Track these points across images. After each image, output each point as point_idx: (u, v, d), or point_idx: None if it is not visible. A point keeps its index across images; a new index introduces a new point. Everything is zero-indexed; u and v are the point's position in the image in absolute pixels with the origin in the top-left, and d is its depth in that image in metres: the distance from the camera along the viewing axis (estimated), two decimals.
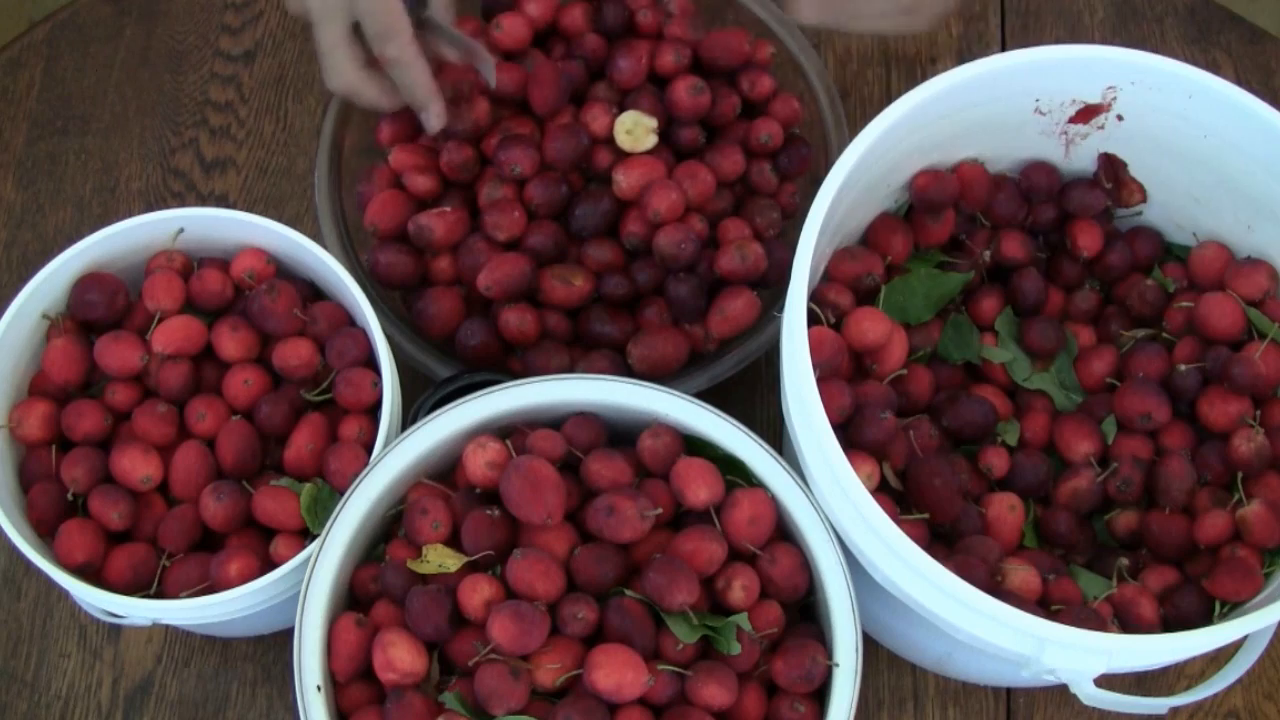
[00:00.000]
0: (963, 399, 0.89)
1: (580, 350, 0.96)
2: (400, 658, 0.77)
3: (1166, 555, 0.85)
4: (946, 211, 0.93)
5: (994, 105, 0.88)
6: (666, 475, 0.82)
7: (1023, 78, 0.87)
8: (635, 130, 0.95)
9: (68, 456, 0.86)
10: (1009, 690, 0.96)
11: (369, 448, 0.86)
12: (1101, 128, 0.91)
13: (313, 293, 0.93)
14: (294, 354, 0.88)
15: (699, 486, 0.81)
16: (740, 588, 0.80)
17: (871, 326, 0.87)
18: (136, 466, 0.85)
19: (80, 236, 0.89)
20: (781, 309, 0.82)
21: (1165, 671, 0.96)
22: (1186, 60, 0.86)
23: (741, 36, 0.98)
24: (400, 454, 0.82)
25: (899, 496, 0.85)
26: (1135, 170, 0.94)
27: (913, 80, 1.13)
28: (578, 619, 0.78)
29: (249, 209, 0.99)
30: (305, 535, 0.86)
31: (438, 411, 0.83)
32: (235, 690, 0.96)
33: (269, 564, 0.84)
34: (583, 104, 0.98)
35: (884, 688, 0.96)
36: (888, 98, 1.02)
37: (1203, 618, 0.82)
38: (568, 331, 0.96)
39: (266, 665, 0.96)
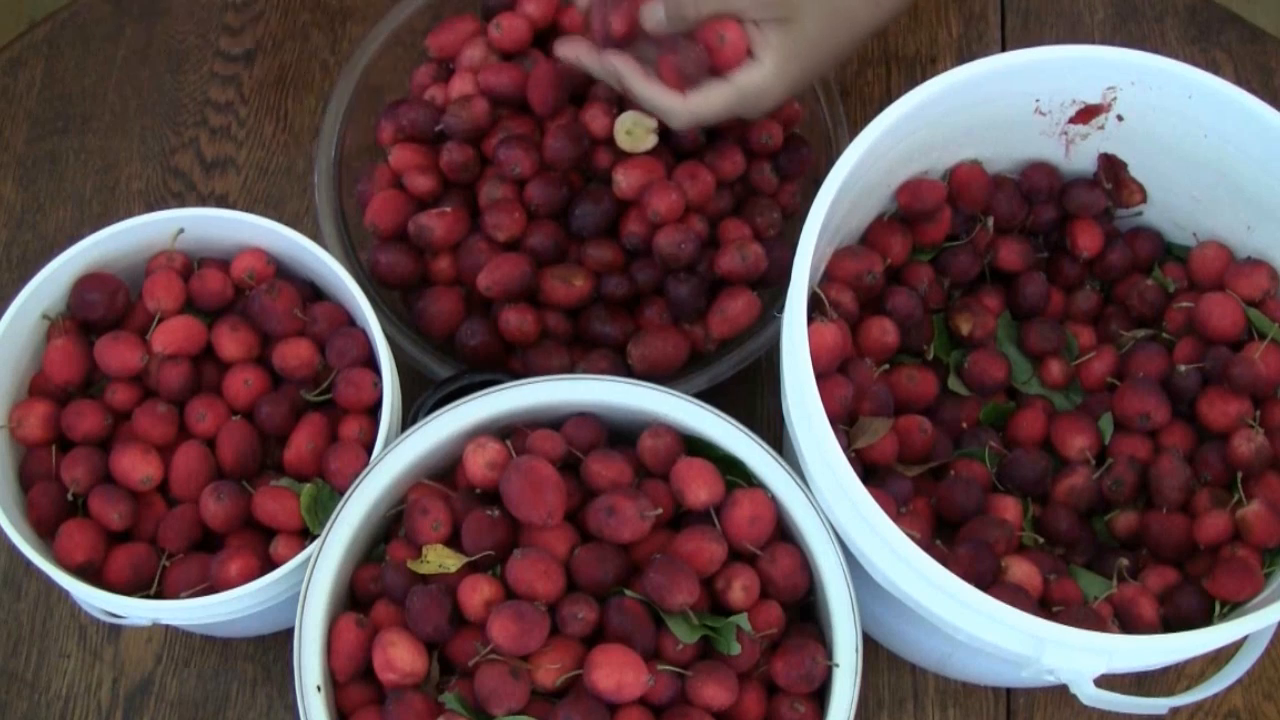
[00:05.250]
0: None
1: (580, 350, 0.96)
2: (400, 658, 0.77)
3: (1166, 555, 0.85)
4: (940, 213, 0.93)
5: (994, 105, 0.88)
6: (666, 475, 0.82)
7: (1023, 78, 0.86)
8: (635, 130, 0.95)
9: (68, 456, 0.86)
10: (1009, 690, 0.96)
11: (369, 448, 0.86)
12: (1101, 128, 0.91)
13: (313, 293, 0.93)
14: (294, 354, 0.88)
15: (699, 487, 0.81)
16: (740, 588, 0.80)
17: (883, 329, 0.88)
18: (137, 466, 0.85)
19: (80, 236, 0.89)
20: (781, 309, 0.82)
21: (1165, 672, 0.96)
22: (1186, 60, 0.86)
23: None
24: (400, 454, 0.82)
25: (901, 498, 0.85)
26: (1135, 170, 0.94)
27: (913, 80, 1.13)
28: (578, 619, 0.78)
29: (249, 209, 0.99)
30: (305, 535, 0.86)
31: (438, 412, 0.83)
32: (235, 690, 0.96)
33: (269, 564, 0.84)
34: (582, 104, 0.98)
35: (884, 688, 0.96)
36: (888, 98, 1.02)
37: (1203, 618, 0.82)
38: (568, 331, 0.96)
39: (266, 665, 0.96)
